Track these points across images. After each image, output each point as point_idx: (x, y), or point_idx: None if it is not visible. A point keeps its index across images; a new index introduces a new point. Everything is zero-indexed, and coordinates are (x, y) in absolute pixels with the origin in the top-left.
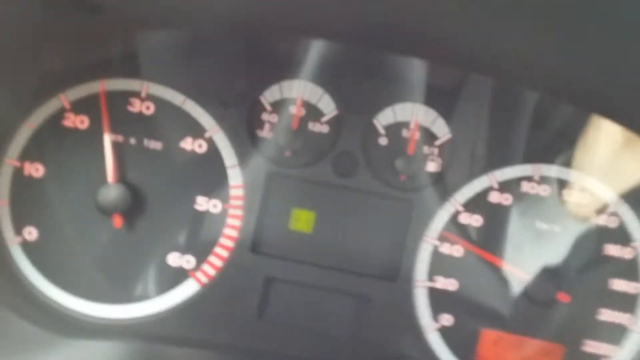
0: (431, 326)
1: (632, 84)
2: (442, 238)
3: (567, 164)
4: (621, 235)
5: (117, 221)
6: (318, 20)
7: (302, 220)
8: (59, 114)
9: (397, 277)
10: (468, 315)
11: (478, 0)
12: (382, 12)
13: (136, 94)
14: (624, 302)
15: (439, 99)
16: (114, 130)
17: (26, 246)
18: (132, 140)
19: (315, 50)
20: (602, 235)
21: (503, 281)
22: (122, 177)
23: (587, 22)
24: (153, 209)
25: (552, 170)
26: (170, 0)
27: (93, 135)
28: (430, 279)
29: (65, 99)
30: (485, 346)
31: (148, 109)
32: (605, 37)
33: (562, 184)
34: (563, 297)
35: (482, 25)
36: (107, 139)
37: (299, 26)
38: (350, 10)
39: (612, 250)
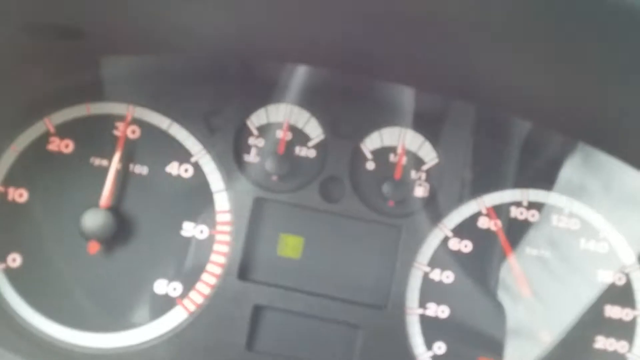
0: (424, 355)
1: (616, 115)
2: (432, 264)
3: (556, 189)
4: (613, 261)
5: (93, 247)
6: (306, 47)
7: (290, 246)
8: (44, 138)
9: (387, 304)
10: (462, 343)
11: (464, 31)
12: (368, 40)
13: (121, 118)
14: (619, 329)
15: (426, 123)
16: (99, 154)
17: (9, 273)
18: (118, 165)
19: (302, 74)
20: (593, 261)
21: (496, 308)
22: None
23: (574, 53)
24: (139, 235)
25: (541, 196)
26: (156, 26)
27: (78, 160)
28: (422, 305)
29: (50, 122)
30: None
31: (133, 132)
32: (593, 69)
33: (551, 209)
34: (545, 337)
35: (467, 54)
36: (113, 166)
37: (287, 52)
38: (336, 39)
39: (604, 276)
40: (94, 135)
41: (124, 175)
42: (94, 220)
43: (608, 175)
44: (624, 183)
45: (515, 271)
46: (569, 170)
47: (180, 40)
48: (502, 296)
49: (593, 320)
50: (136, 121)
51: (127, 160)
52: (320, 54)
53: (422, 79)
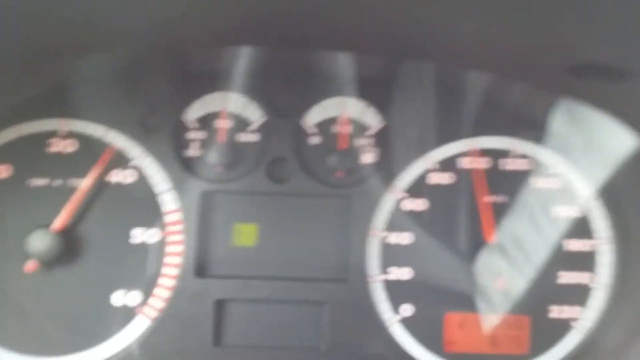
0: (392, 319)
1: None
2: (388, 228)
3: (502, 133)
4: (567, 195)
5: (31, 266)
6: (236, 26)
7: (244, 234)
8: None
9: (348, 276)
10: (428, 301)
11: None
12: (301, 8)
13: (55, 133)
14: (582, 261)
15: (367, 89)
16: (37, 174)
17: None
18: (58, 182)
19: (234, 58)
20: (548, 197)
21: (459, 261)
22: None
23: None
24: (88, 250)
25: (486, 142)
26: (71, 27)
27: (17, 183)
28: (383, 271)
29: None
30: (451, 330)
31: (69, 146)
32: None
33: (499, 153)
34: (501, 283)
35: (412, 10)
36: (82, 189)
37: (219, 35)
38: (267, 11)
39: (560, 211)
40: (30, 156)
41: (65, 192)
42: (39, 242)
43: (561, 114)
44: (578, 121)
45: (480, 219)
46: (515, 114)
47: (100, 39)
48: (463, 248)
49: (554, 257)
50: (71, 134)
51: (65, 175)
52: (251, 30)
53: (364, 43)
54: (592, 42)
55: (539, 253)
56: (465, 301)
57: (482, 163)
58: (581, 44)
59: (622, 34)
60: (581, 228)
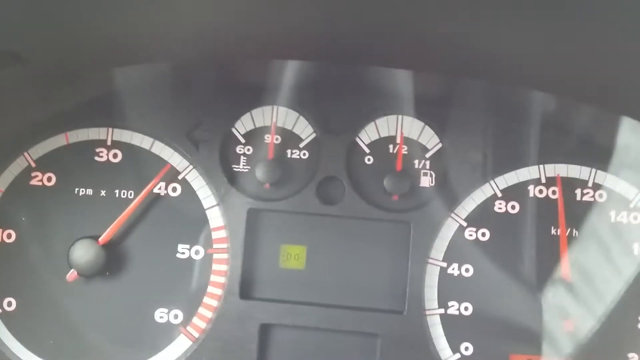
0: (450, 358)
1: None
2: (448, 258)
3: (575, 161)
4: None
5: (72, 276)
6: (288, 39)
7: (292, 257)
8: (26, 174)
9: (404, 308)
10: (490, 341)
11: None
12: (359, 23)
13: (102, 143)
14: None
15: (425, 108)
16: (83, 183)
17: (6, 317)
18: (103, 192)
19: (285, 72)
20: (628, 233)
21: (524, 298)
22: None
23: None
24: (133, 263)
25: (562, 170)
26: (126, 37)
27: (62, 191)
28: (442, 305)
29: (30, 157)
30: None
31: (115, 156)
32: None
33: (573, 183)
34: (572, 325)
35: (472, 28)
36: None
37: (268, 47)
38: (325, 27)
39: None
40: (76, 165)
41: (109, 202)
42: (83, 254)
43: (635, 141)
44: None
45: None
46: (590, 140)
47: (148, 50)
48: (531, 284)
49: (634, 299)
50: (117, 144)
51: (110, 185)
52: (305, 44)
53: (422, 59)
54: None
55: (617, 295)
56: (532, 342)
57: (554, 192)
58: None
59: None
60: None
